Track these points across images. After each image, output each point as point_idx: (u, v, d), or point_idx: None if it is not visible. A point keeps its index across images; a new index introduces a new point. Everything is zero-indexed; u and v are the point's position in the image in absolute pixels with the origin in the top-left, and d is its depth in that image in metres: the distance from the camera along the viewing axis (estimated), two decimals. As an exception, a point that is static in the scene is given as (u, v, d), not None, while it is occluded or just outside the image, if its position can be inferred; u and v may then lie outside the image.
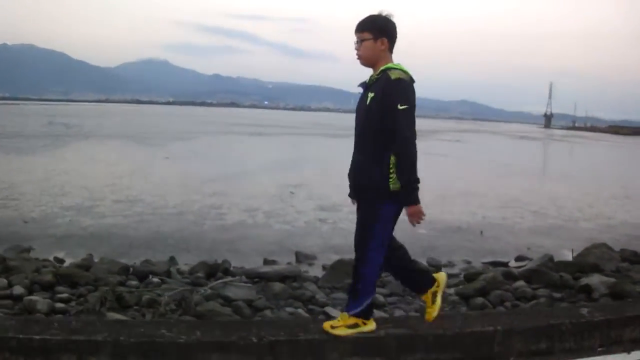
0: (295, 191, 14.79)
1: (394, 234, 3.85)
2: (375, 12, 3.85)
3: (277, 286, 6.09)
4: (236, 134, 43.25)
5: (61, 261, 7.45)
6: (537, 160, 36.01)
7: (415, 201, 3.59)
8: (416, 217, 3.62)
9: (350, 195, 3.93)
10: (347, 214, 12.28)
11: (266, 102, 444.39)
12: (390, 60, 3.80)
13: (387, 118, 3.58)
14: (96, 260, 7.28)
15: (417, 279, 4.16)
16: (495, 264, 9.00)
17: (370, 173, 3.67)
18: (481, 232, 11.38)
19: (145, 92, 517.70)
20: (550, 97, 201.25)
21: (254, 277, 6.69)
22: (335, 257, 8.69)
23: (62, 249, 8.24)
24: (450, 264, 8.77)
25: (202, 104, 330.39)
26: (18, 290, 5.51)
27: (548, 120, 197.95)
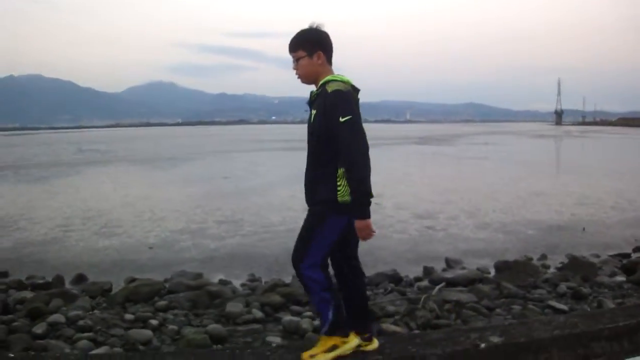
0: (380, 202, 14.81)
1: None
2: (305, 27, 3.66)
3: (485, 288, 6.19)
4: (273, 150, 43.25)
5: (226, 282, 7.51)
6: (572, 158, 35.97)
7: (363, 215, 3.35)
8: (364, 233, 3.37)
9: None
10: (445, 219, 12.46)
11: (274, 117, 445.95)
12: (330, 72, 3.62)
13: (332, 132, 3.38)
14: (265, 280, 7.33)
15: (348, 311, 3.61)
16: (621, 255, 9.28)
17: (319, 187, 3.46)
18: (583, 228, 11.62)
19: (153, 114, 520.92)
20: (559, 93, 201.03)
21: (445, 282, 6.86)
22: (477, 261, 8.86)
23: (216, 271, 8.27)
24: (585, 257, 8.87)
25: (211, 122, 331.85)
26: (257, 313, 5.64)
27: (559, 117, 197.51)
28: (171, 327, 5.16)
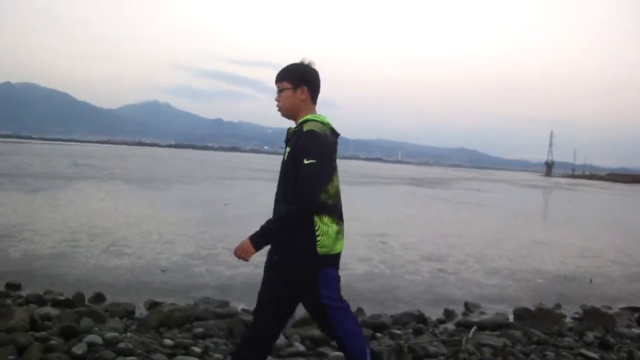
0: (386, 241, 14.82)
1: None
2: (296, 62, 3.64)
3: (517, 333, 6.26)
4: (269, 180, 42.96)
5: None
6: (565, 210, 36.21)
7: (255, 240, 3.33)
8: (241, 252, 3.34)
9: None
10: (454, 263, 12.50)
11: (266, 147, 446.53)
12: (312, 111, 3.58)
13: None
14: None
15: None
16: (632, 309, 9.35)
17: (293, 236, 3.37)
18: (590, 280, 11.73)
19: (146, 134, 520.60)
20: (551, 144, 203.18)
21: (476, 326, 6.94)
22: (493, 307, 8.91)
23: (237, 299, 8.06)
24: (598, 309, 8.90)
25: (204, 147, 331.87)
26: (300, 347, 5.60)
27: (549, 168, 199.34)
28: (216, 355, 5.08)
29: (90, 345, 4.85)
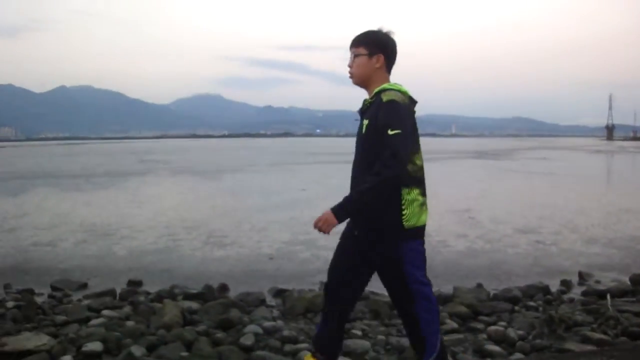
0: (473, 216, 14.68)
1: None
2: (374, 29, 3.46)
3: None
4: (334, 163, 43.08)
5: (376, 293, 7.37)
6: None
7: (338, 212, 3.14)
8: (323, 224, 3.14)
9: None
10: (549, 234, 12.28)
11: (318, 131, 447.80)
12: (386, 80, 3.41)
13: (383, 145, 3.14)
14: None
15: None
16: None
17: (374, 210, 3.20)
18: None
19: (200, 126, 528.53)
20: (610, 108, 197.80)
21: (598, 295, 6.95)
22: (605, 275, 8.78)
23: None
24: None
25: (257, 135, 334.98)
26: (452, 324, 5.61)
27: (610, 132, 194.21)
28: (379, 337, 5.10)
29: (255, 335, 4.91)
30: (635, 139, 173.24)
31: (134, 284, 8.08)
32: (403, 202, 3.22)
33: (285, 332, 5.03)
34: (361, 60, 3.40)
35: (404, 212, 3.22)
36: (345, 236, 3.42)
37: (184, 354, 4.56)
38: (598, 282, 8.35)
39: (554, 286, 7.99)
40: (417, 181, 3.31)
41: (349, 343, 4.73)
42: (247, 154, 65.60)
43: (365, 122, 3.31)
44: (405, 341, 4.94)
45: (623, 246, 11.13)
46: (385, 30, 3.44)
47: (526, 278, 8.43)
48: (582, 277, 8.57)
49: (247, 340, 4.74)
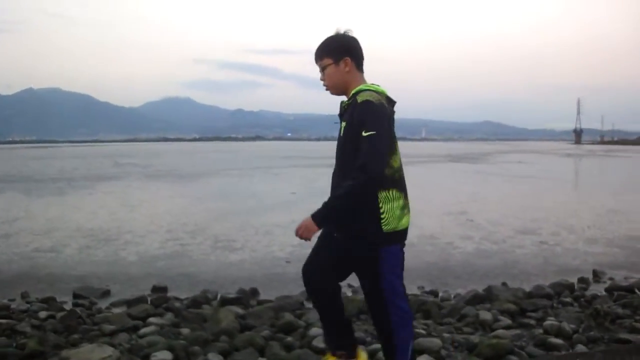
0: (471, 218, 14.84)
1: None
2: (331, 34, 3.40)
3: None
4: (313, 167, 42.99)
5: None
6: (615, 176, 35.53)
7: (317, 218, 3.10)
8: (304, 231, 3.12)
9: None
10: (549, 235, 12.53)
11: (289, 134, 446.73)
12: (361, 81, 3.35)
13: (359, 147, 3.10)
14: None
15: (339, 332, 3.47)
16: None
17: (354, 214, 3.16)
18: None
19: (170, 129, 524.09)
20: (579, 112, 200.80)
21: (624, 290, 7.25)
22: (616, 273, 9.06)
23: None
24: None
25: (228, 138, 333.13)
26: (506, 320, 5.77)
27: (578, 136, 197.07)
28: (445, 335, 5.21)
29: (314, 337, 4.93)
30: (603, 142, 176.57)
31: (159, 289, 7.99)
32: (381, 205, 3.16)
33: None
34: (330, 70, 3.34)
35: (382, 216, 3.16)
36: (324, 235, 3.37)
37: (261, 359, 4.57)
38: (612, 279, 8.64)
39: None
40: (396, 183, 3.24)
41: (421, 341, 4.83)
42: (223, 157, 65.26)
43: (343, 124, 3.27)
44: (473, 338, 5.03)
45: (624, 245, 11.46)
46: (342, 31, 3.38)
47: (543, 277, 8.66)
48: (597, 275, 8.85)
49: (319, 342, 4.73)
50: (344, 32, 3.36)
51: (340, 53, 3.30)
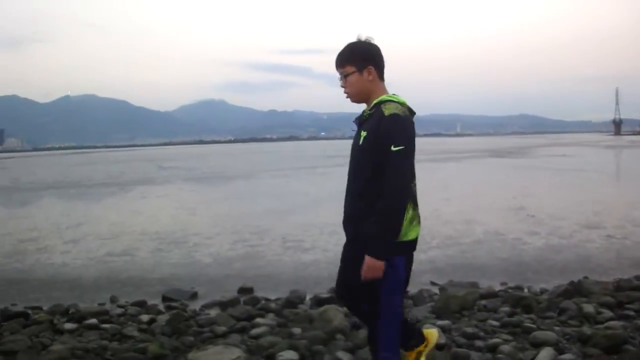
0: (532, 214, 14.79)
1: None
2: (353, 40, 3.37)
3: None
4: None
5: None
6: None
7: (378, 252, 3.07)
8: (370, 272, 3.08)
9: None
10: (613, 229, 12.43)
11: (323, 133, 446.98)
12: (383, 91, 3.35)
13: (380, 160, 3.10)
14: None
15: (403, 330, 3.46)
16: None
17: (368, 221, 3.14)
18: None
19: (205, 132, 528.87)
20: (617, 102, 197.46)
21: None
22: None
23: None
24: None
25: (263, 139, 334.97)
26: (608, 313, 5.84)
27: (618, 127, 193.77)
28: (556, 328, 5.32)
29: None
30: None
31: (246, 291, 8.10)
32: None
33: (469, 330, 5.20)
34: (353, 79, 3.33)
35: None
36: (347, 253, 3.50)
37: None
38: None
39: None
40: (410, 195, 3.24)
41: (538, 334, 5.02)
42: (264, 158, 65.77)
43: (364, 133, 3.25)
44: (585, 330, 5.11)
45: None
46: (364, 38, 3.37)
47: (621, 271, 8.61)
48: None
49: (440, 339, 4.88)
50: (366, 39, 3.37)
51: (364, 61, 3.31)
